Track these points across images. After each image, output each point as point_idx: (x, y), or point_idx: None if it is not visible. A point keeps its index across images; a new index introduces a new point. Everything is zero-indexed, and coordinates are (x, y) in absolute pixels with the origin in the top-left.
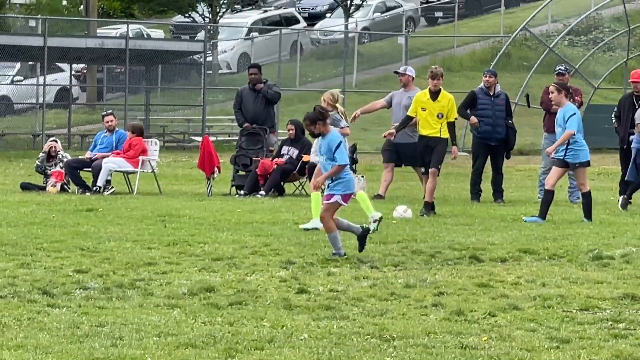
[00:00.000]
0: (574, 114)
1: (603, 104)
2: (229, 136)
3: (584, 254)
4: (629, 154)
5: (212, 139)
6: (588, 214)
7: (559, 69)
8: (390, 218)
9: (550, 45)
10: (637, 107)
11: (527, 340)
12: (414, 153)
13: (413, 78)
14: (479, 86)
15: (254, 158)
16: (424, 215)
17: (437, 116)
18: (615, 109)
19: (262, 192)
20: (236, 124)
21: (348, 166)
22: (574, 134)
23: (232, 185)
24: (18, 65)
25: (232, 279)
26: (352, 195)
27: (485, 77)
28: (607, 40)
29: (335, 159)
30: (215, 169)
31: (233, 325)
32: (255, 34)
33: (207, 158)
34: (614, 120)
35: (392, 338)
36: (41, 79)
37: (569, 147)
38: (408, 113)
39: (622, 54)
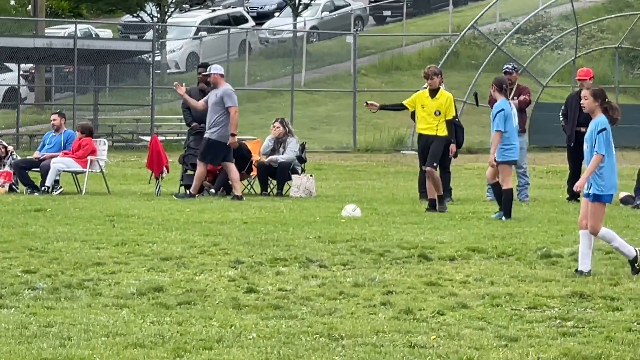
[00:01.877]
0: (500, 110)
1: (551, 102)
2: (178, 135)
3: (533, 252)
4: (576, 152)
5: (160, 138)
6: (507, 211)
7: (507, 67)
8: (339, 217)
9: (499, 44)
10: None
11: (475, 338)
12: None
13: (221, 75)
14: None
15: None
16: (430, 211)
17: (435, 113)
18: (563, 107)
19: (212, 190)
20: (184, 123)
21: None
22: (503, 132)
23: (181, 185)
24: None
25: (181, 279)
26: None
27: None
28: (555, 38)
29: None
30: (164, 168)
31: (182, 325)
32: (203, 33)
33: (156, 157)
34: (561, 119)
35: (340, 337)
36: None
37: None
38: (403, 102)
39: (570, 52)
